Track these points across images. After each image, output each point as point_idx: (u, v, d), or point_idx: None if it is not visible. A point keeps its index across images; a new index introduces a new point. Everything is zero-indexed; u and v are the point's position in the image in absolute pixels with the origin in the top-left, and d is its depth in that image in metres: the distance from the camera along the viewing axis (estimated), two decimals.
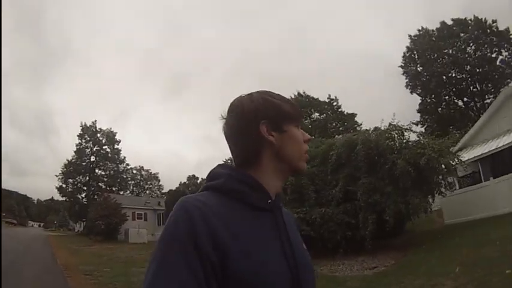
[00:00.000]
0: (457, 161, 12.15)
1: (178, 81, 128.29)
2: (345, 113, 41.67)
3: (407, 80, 38.30)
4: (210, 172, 0.91)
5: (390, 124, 12.42)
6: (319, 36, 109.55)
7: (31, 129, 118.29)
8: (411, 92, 38.36)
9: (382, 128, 12.37)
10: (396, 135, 12.01)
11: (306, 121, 39.62)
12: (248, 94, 0.94)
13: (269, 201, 0.86)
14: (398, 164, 10.47)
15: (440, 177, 11.75)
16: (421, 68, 37.30)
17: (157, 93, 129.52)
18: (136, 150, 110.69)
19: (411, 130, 12.09)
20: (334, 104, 42.08)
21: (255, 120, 0.89)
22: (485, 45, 33.71)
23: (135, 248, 21.95)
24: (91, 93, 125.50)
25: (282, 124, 0.90)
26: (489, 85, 34.00)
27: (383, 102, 64.84)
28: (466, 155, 16.51)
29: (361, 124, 39.79)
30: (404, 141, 12.04)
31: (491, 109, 17.72)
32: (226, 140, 0.93)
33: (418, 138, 12.30)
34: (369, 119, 60.05)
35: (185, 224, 0.72)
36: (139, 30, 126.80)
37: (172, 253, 0.70)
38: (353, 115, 41.64)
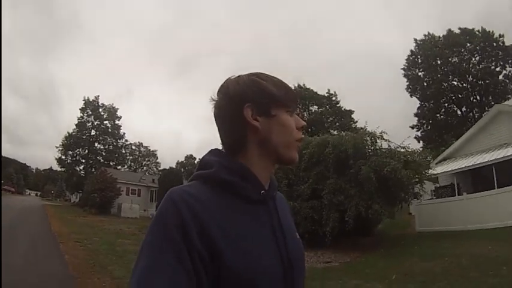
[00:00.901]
0: (426, 172, 12.74)
1: (185, 61, 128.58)
2: (343, 109, 42.37)
3: (407, 83, 38.72)
4: (201, 159, 0.88)
5: (362, 129, 13.25)
6: (330, 31, 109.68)
7: (34, 99, 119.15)
8: (411, 95, 38.88)
9: (370, 131, 12.81)
10: (369, 141, 12.56)
11: (304, 113, 40.34)
12: (238, 76, 0.89)
13: (262, 192, 0.83)
14: (362, 170, 11.04)
15: (411, 187, 12.20)
16: (422, 72, 37.64)
17: (164, 72, 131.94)
18: (139, 126, 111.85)
19: (383, 138, 12.52)
20: (333, 99, 42.78)
21: (239, 103, 0.84)
22: (490, 58, 34.09)
23: (126, 221, 23.06)
24: (97, 68, 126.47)
25: (270, 108, 0.84)
26: (490, 97, 34.27)
27: (385, 102, 65.41)
28: (445, 167, 17.17)
29: (357, 121, 40.65)
30: (377, 147, 12.58)
31: (479, 124, 17.81)
32: (216, 123, 0.89)
33: (391, 147, 12.72)
34: (369, 117, 60.82)
35: (173, 218, 0.70)
36: (149, 8, 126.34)
37: (161, 247, 0.69)
38: (350, 112, 42.17)
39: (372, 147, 12.62)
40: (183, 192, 0.75)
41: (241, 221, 0.78)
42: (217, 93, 0.88)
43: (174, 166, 66.76)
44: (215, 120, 0.89)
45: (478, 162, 15.01)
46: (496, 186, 13.47)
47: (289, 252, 0.82)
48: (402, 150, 12.69)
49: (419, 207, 15.47)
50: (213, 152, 0.88)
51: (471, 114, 36.05)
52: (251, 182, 0.82)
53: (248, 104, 0.83)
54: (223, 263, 0.70)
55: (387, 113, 67.11)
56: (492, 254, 8.16)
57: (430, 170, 13.36)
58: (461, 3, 58.46)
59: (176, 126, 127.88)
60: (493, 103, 32.86)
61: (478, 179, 15.44)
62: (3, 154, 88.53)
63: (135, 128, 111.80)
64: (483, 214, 12.73)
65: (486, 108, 33.49)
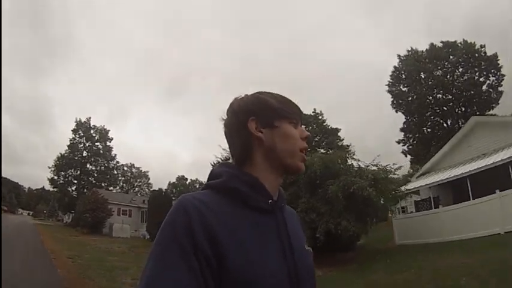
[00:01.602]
0: (397, 189, 13.51)
1: (177, 82, 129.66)
2: (329, 127, 43.52)
3: (392, 99, 38.88)
4: (211, 170, 0.91)
5: (347, 147, 14.20)
6: (317, 47, 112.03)
7: (26, 117, 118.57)
8: (396, 111, 38.74)
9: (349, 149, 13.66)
10: (339, 161, 13.38)
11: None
12: (243, 95, 0.96)
13: (270, 201, 0.85)
14: (330, 189, 11.75)
15: (381, 204, 12.78)
16: (406, 88, 37.89)
17: (156, 92, 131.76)
18: (131, 147, 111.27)
19: (353, 158, 13.37)
20: (320, 118, 44.08)
21: (244, 118, 0.90)
22: (473, 69, 34.07)
23: (116, 241, 23.66)
24: (89, 88, 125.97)
25: (273, 120, 0.89)
26: (474, 108, 34.14)
27: (373, 118, 66.84)
28: (421, 182, 17.62)
29: (343, 139, 41.98)
30: (348, 167, 13.31)
31: (458, 136, 18.14)
32: (226, 140, 0.95)
33: (361, 166, 13.44)
34: (355, 134, 62.18)
35: (182, 223, 0.73)
36: (140, 28, 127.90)
37: (170, 251, 0.70)
38: (337, 130, 43.47)
39: (342, 166, 13.30)
40: (193, 198, 0.78)
41: (249, 228, 0.79)
42: (226, 112, 0.95)
43: (166, 187, 67.05)
44: (225, 137, 0.95)
45: (452, 176, 15.45)
46: (471, 198, 13.78)
47: (296, 262, 0.83)
48: (373, 168, 13.41)
49: (398, 221, 15.89)
50: (223, 164, 0.93)
51: (457, 125, 35.45)
52: (259, 192, 0.85)
53: (252, 117, 0.89)
54: (228, 267, 0.71)
55: (374, 129, 68.64)
56: (458, 265, 8.47)
57: (411, 184, 14.06)
58: (448, 17, 60.14)
59: (169, 146, 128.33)
60: (477, 113, 32.51)
61: (458, 191, 15.58)
62: None
63: (127, 148, 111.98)
64: (458, 226, 13.04)
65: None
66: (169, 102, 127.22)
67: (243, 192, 0.83)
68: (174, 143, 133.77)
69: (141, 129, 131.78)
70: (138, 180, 73.25)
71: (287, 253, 0.82)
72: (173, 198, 40.14)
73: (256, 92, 0.96)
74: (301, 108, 0.96)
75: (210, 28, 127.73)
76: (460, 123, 34.39)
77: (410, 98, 37.42)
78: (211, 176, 0.89)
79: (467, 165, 15.46)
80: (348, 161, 13.65)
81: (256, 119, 0.89)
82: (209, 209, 0.76)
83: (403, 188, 14.58)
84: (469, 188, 14.06)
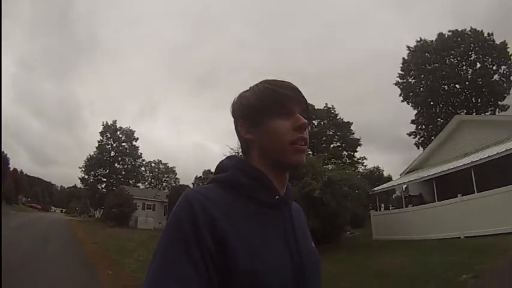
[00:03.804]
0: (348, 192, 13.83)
1: (206, 78, 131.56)
2: (341, 121, 44.45)
3: (401, 91, 38.43)
4: (218, 164, 0.92)
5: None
6: (346, 36, 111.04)
7: (56, 119, 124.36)
8: (407, 103, 38.27)
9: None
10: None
11: (308, 127, 42.54)
12: (239, 94, 0.96)
13: (276, 197, 0.86)
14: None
15: (334, 204, 12.85)
16: (414, 80, 37.42)
17: (185, 88, 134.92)
18: (161, 142, 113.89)
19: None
20: (332, 112, 45.13)
21: (235, 121, 0.93)
22: (484, 58, 33.37)
23: (139, 232, 26.13)
24: (118, 87, 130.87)
25: (256, 119, 0.88)
26: (485, 98, 33.62)
27: (385, 110, 66.76)
28: (400, 180, 18.33)
29: (353, 133, 43.22)
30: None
31: (443, 134, 18.34)
32: None
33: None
34: (367, 126, 62.66)
35: (187, 217, 0.74)
36: (168, 26, 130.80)
37: (174, 246, 0.72)
38: (348, 123, 44.42)
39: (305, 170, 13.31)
40: (198, 192, 0.79)
41: (254, 222, 0.80)
42: None
43: (193, 181, 69.81)
44: None
45: (424, 175, 15.89)
46: (436, 199, 14.31)
47: (302, 257, 0.83)
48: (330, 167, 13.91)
49: (375, 217, 16.70)
50: (230, 157, 0.94)
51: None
52: (265, 186, 0.85)
53: (240, 120, 0.91)
54: (233, 260, 0.72)
55: (387, 121, 68.56)
56: (384, 266, 9.07)
57: (397, 180, 14.65)
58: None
59: (198, 140, 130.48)
60: (491, 103, 33.02)
61: (440, 189, 15.22)
62: (29, 174, 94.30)
63: (157, 143, 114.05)
64: (424, 226, 13.47)
65: (489, 109, 33.71)
66: (198, 96, 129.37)
67: (249, 186, 0.84)
68: (204, 138, 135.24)
69: (171, 124, 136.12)
70: (166, 175, 75.88)
71: (293, 250, 0.82)
72: None
73: (247, 89, 0.95)
74: (301, 91, 0.91)
75: (238, 23, 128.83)
76: (472, 114, 32.78)
77: (419, 90, 36.94)
78: (218, 170, 0.91)
79: (449, 163, 15.56)
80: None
81: (243, 122, 0.90)
82: (213, 203, 0.77)
83: (384, 187, 15.51)
84: (435, 190, 14.55)
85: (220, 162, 0.92)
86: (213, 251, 0.71)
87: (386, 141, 68.74)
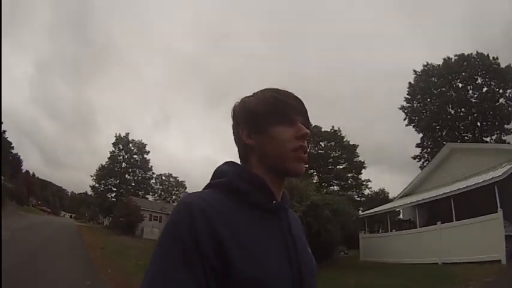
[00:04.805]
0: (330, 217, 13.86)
1: (219, 91, 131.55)
2: (347, 143, 45.16)
3: (406, 115, 38.35)
4: (216, 169, 0.91)
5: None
6: (361, 54, 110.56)
7: (71, 123, 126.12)
8: (413, 127, 38.00)
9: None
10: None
11: (315, 148, 43.82)
12: (241, 99, 0.97)
13: (274, 202, 0.86)
14: None
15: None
16: (419, 104, 37.50)
17: (198, 100, 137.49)
18: (172, 154, 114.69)
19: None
20: (338, 134, 45.99)
21: (236, 126, 0.93)
22: (491, 82, 33.38)
23: (144, 241, 27.37)
24: (133, 95, 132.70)
25: (260, 126, 0.89)
26: (489, 122, 33.54)
27: (397, 131, 66.75)
28: (392, 204, 18.95)
29: (358, 155, 43.94)
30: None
31: (435, 161, 18.87)
32: None
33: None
34: (381, 146, 62.94)
35: (187, 224, 0.72)
36: (185, 37, 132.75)
37: (172, 253, 0.70)
38: (354, 146, 45.11)
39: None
40: (198, 198, 0.78)
41: (252, 227, 0.79)
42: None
43: None
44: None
45: (413, 201, 16.31)
46: (418, 225, 14.86)
47: (300, 263, 0.83)
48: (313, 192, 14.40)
49: (363, 240, 17.32)
50: (228, 162, 0.93)
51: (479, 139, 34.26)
52: (263, 191, 0.85)
53: (242, 125, 0.92)
54: (231, 265, 0.71)
55: (392, 145, 68.67)
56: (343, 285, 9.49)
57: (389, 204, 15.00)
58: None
59: (210, 153, 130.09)
60: (496, 127, 32.73)
61: (431, 214, 15.71)
62: (40, 177, 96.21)
63: (168, 155, 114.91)
64: (405, 251, 13.89)
65: (490, 133, 33.71)
66: (210, 109, 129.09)
67: (246, 191, 0.83)
68: (215, 150, 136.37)
69: (183, 136, 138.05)
70: (175, 189, 77.30)
71: (292, 256, 0.82)
72: None
73: (248, 96, 0.96)
74: (303, 102, 0.93)
75: (253, 38, 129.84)
76: (478, 138, 33.49)
77: (424, 114, 37.01)
78: (216, 175, 0.90)
79: (437, 190, 15.75)
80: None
81: (245, 126, 0.91)
82: (211, 208, 0.76)
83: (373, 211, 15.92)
84: (417, 216, 15.02)
85: (218, 167, 0.92)
86: (214, 261, 0.71)
87: (398, 162, 68.67)
